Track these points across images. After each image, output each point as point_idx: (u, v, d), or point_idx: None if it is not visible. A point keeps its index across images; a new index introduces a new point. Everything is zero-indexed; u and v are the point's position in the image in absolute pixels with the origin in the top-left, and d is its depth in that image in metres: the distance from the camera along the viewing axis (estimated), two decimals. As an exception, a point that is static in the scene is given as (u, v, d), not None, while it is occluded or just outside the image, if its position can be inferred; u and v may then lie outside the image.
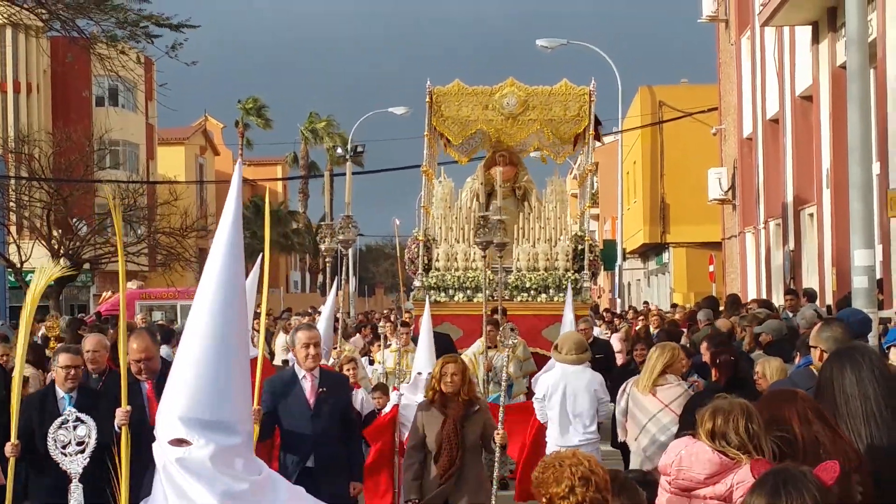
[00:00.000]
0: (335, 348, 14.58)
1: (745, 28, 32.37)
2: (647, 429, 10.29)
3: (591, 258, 19.80)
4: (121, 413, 8.23)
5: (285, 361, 20.00)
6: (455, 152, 21.19)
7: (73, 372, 9.59)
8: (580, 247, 19.59)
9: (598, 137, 21.08)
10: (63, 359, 9.64)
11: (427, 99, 20.28)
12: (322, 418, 9.46)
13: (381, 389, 13.74)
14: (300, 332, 9.83)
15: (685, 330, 19.93)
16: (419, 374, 11.76)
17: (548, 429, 12.26)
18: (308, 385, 9.54)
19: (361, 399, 13.18)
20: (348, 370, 14.27)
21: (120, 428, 8.14)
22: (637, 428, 10.42)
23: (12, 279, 42.22)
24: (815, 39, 24.48)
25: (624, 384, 10.96)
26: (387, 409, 12.40)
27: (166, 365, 9.84)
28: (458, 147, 21.01)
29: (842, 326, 8.25)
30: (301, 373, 9.61)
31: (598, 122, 20.59)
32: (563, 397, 12.06)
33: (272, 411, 9.34)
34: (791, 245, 27.40)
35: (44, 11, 28.51)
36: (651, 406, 10.33)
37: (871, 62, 17.99)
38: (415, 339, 17.14)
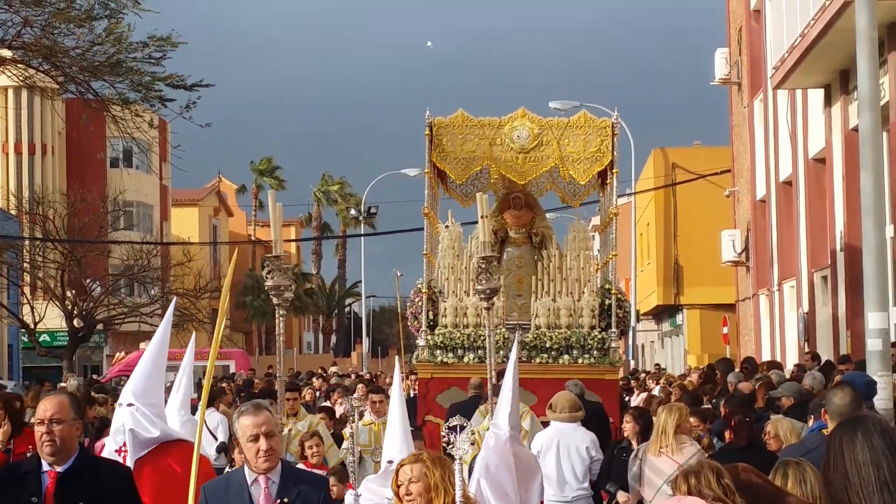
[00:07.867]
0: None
1: (758, 91, 32.45)
2: (662, 490, 10.25)
3: (620, 314, 17.65)
4: None
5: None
6: (456, 194, 18.58)
7: None
8: (607, 301, 17.48)
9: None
10: None
11: (426, 131, 17.73)
12: None
13: (337, 476, 11.20)
14: (244, 416, 6.77)
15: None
16: (390, 462, 8.35)
17: (544, 485, 12.29)
18: (261, 494, 6.68)
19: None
20: (310, 447, 12.24)
21: None
22: (652, 491, 10.41)
23: (26, 339, 42.28)
24: (828, 102, 24.53)
25: (636, 450, 11.14)
26: None
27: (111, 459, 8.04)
28: (460, 188, 18.44)
29: (849, 394, 8.26)
30: (251, 476, 6.72)
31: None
32: (558, 454, 12.33)
33: None
34: (805, 307, 27.31)
35: (59, 74, 28.71)
36: (666, 468, 10.30)
37: (883, 125, 18.01)
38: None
